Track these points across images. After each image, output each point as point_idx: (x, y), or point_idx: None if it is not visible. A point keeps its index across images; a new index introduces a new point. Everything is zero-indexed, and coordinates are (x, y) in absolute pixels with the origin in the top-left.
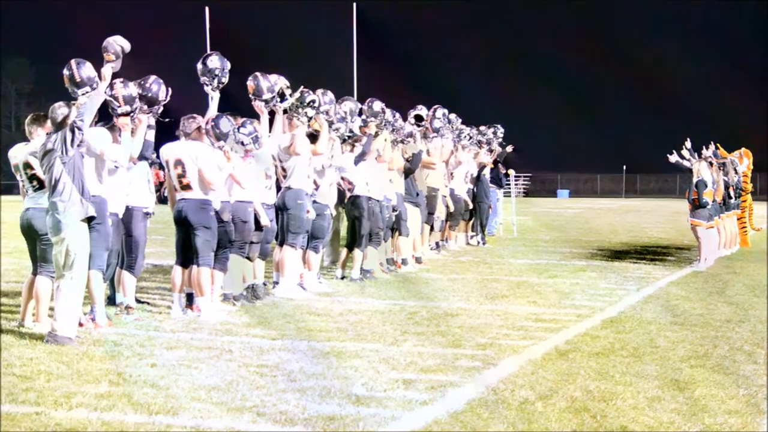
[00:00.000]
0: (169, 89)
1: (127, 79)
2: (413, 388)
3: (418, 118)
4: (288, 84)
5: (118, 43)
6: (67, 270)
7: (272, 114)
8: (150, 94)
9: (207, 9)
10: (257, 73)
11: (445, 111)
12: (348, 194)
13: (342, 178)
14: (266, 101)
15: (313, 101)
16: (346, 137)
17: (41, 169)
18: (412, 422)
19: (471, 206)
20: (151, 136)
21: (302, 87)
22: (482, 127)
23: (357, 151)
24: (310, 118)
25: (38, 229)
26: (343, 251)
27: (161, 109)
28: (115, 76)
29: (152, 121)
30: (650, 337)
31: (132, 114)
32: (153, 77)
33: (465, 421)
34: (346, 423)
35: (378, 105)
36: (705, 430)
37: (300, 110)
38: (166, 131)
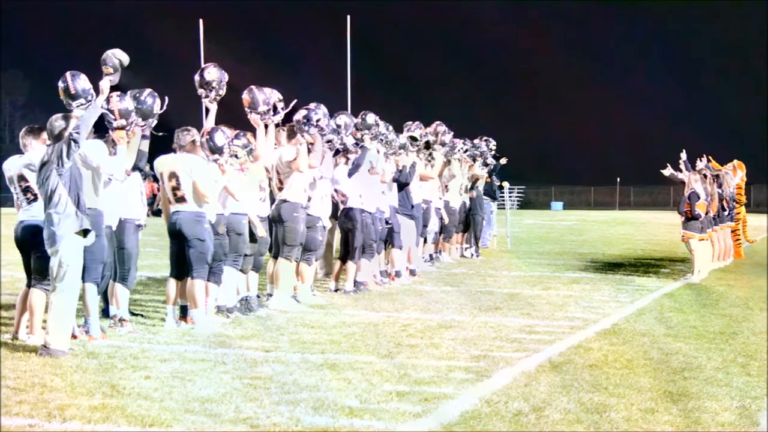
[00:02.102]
0: (166, 98)
1: (121, 90)
2: (407, 400)
3: (413, 139)
4: (281, 97)
5: (116, 57)
6: (58, 282)
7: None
8: (145, 107)
9: (201, 21)
10: (252, 87)
11: (446, 128)
12: (341, 206)
13: (335, 191)
14: (261, 114)
15: (319, 120)
16: (339, 149)
17: (38, 180)
18: None
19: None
20: (145, 146)
21: (294, 101)
22: (476, 141)
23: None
24: (312, 135)
25: (32, 242)
26: (337, 263)
27: (155, 121)
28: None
29: (147, 132)
30: (644, 349)
31: (127, 128)
32: (148, 90)
33: None
34: None
35: (372, 117)
36: None
37: (305, 128)
38: (162, 144)
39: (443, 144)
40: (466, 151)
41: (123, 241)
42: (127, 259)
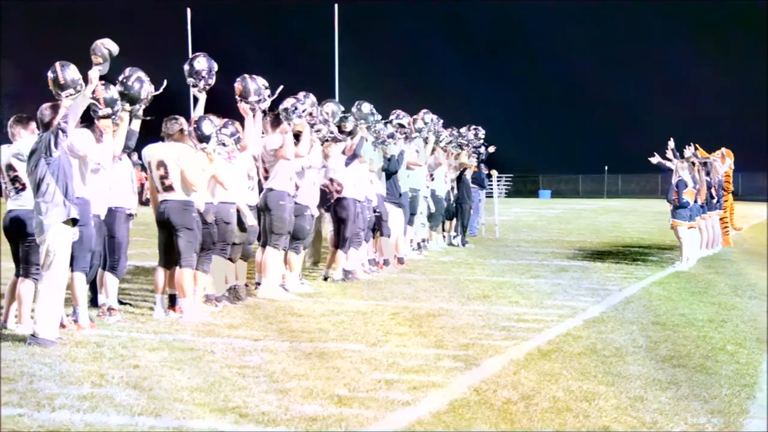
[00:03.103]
0: (165, 82)
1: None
2: (395, 388)
3: (401, 126)
4: (266, 85)
5: (105, 46)
6: (45, 270)
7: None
8: (132, 93)
9: (189, 10)
10: (245, 75)
11: (434, 117)
12: (335, 195)
13: (331, 180)
14: (252, 103)
15: (305, 110)
16: (327, 138)
17: (26, 169)
18: (394, 423)
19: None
20: (136, 126)
21: (281, 87)
22: (462, 129)
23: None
24: (297, 124)
25: (21, 231)
26: (331, 252)
27: (143, 106)
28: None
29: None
30: (632, 337)
31: (113, 116)
32: (135, 75)
33: (447, 421)
34: (329, 423)
35: (367, 107)
36: (688, 430)
37: (291, 116)
38: (150, 133)
39: (438, 132)
40: (450, 142)
41: (113, 230)
42: (117, 248)
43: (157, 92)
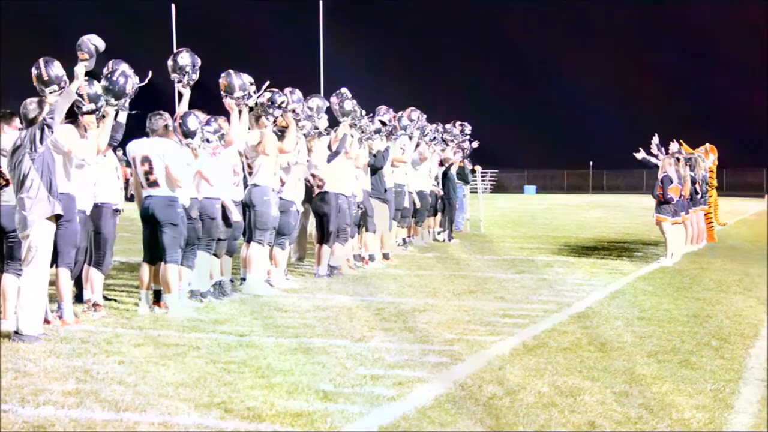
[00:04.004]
0: (149, 73)
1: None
2: (381, 384)
3: (382, 124)
4: (252, 81)
5: (92, 42)
6: (26, 266)
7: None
8: (117, 88)
9: (173, 5)
10: (230, 71)
11: (419, 113)
12: (317, 190)
13: (313, 175)
14: (237, 99)
15: (283, 102)
16: (311, 133)
17: (9, 165)
18: (380, 418)
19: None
20: (122, 118)
21: (267, 82)
22: (448, 125)
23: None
24: (276, 117)
25: (4, 227)
26: (316, 248)
27: (128, 101)
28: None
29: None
30: (617, 332)
31: (97, 112)
32: (120, 70)
33: (433, 417)
34: (314, 419)
35: (350, 104)
36: (672, 425)
37: (269, 110)
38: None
39: (421, 128)
40: (433, 138)
41: (100, 225)
42: (103, 243)
43: (143, 83)
